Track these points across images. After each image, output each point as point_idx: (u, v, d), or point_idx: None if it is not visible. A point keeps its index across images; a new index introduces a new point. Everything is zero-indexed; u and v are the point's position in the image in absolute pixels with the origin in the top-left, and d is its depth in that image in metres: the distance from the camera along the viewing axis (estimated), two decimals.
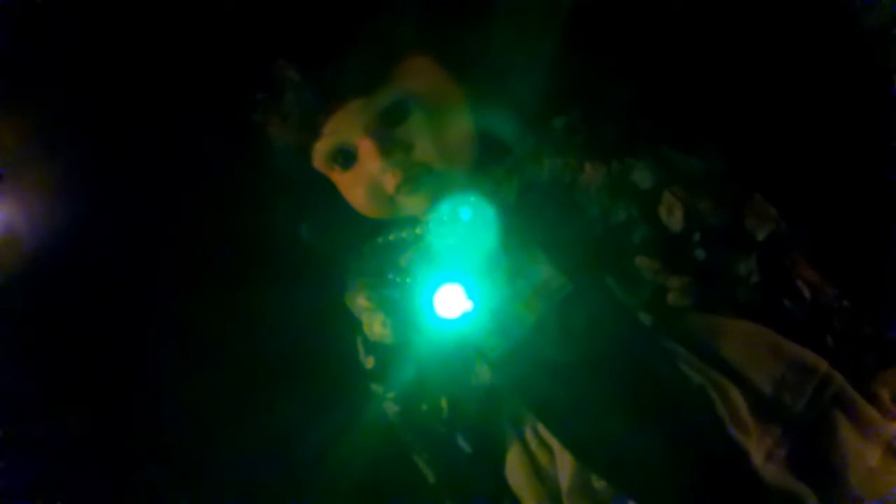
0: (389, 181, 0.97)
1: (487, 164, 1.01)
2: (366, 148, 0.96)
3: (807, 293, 0.95)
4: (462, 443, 1.02)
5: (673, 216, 0.96)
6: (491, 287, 0.93)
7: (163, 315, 1.15)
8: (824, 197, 1.04)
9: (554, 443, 0.95)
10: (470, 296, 0.93)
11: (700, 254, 0.95)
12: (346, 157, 0.99)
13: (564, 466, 0.94)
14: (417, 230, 1.02)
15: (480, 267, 0.95)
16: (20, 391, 1.13)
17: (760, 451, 0.88)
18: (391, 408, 1.05)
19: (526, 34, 1.01)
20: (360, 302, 1.06)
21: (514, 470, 1.00)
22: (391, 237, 1.05)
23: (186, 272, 1.15)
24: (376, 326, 1.05)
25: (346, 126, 0.96)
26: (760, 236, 0.96)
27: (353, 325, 1.08)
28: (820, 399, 0.90)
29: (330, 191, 1.03)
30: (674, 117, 1.02)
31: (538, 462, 0.98)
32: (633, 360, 0.91)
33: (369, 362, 1.07)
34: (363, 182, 0.99)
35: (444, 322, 0.93)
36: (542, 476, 0.97)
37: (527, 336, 0.92)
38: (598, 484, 0.92)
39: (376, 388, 1.07)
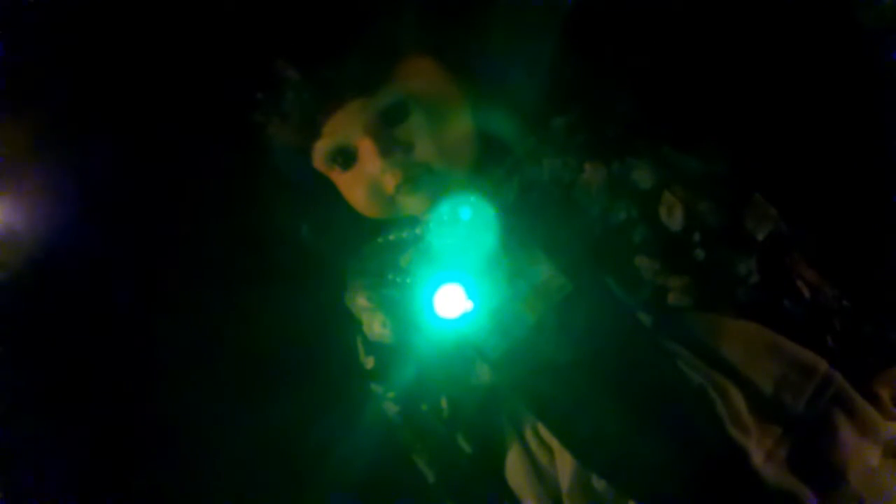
0: (389, 181, 0.97)
1: (487, 164, 1.01)
2: (366, 148, 0.96)
3: (807, 293, 0.95)
4: (462, 443, 1.02)
5: (673, 216, 0.96)
6: (491, 287, 0.93)
7: (163, 315, 1.15)
8: (824, 197, 1.04)
9: (554, 443, 0.95)
10: (470, 296, 0.93)
11: (700, 254, 0.95)
12: (346, 157, 0.99)
13: (564, 466, 0.94)
14: (417, 230, 1.02)
15: (480, 267, 0.95)
16: (20, 391, 1.13)
17: (760, 451, 0.88)
18: (391, 408, 1.05)
19: (526, 34, 1.01)
20: (360, 302, 1.07)
21: (514, 470, 1.00)
22: (391, 237, 1.05)
23: (186, 272, 1.15)
24: (376, 326, 1.05)
25: (346, 126, 0.96)
26: (760, 236, 0.96)
27: (353, 325, 1.08)
28: (820, 399, 0.90)
29: (330, 191, 1.03)
30: (674, 117, 1.02)
31: (538, 462, 0.98)
32: (634, 361, 0.91)
33: (369, 362, 1.07)
34: (363, 182, 0.99)
35: (444, 322, 0.93)
36: (542, 476, 0.97)
37: (527, 336, 0.92)
38: (598, 484, 0.92)
39: (376, 388, 1.07)
